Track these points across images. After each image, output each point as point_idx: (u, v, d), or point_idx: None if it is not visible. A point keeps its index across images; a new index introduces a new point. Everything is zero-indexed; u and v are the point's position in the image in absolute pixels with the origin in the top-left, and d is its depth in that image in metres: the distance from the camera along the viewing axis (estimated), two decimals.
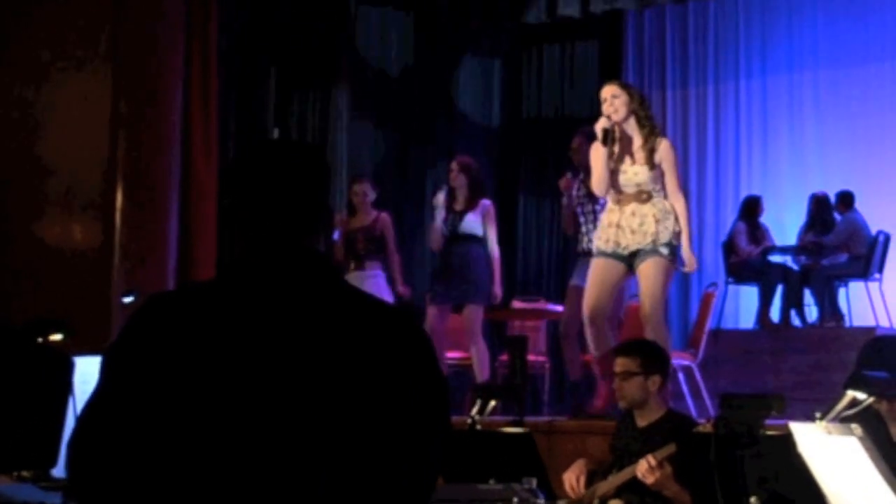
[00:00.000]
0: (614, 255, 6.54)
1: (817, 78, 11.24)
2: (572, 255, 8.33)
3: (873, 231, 10.00)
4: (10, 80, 8.84)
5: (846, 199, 10.14)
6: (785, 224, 10.76)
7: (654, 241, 6.43)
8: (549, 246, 11.90)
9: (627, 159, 6.53)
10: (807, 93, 11.30)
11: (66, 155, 8.77)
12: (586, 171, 7.50)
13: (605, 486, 4.96)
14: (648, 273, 6.48)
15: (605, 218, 6.68)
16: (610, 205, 6.64)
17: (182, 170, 8.87)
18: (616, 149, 6.55)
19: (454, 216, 8.15)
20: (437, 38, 11.49)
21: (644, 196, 6.49)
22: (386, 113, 11.25)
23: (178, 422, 1.97)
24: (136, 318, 2.09)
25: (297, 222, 2.12)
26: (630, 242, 6.48)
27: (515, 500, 4.16)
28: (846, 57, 11.02)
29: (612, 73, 11.69)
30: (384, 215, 8.56)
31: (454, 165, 8.29)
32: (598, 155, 6.53)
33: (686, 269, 6.73)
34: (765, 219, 10.48)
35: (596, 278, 6.60)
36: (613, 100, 6.53)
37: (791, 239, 10.52)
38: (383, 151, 11.20)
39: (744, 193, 10.95)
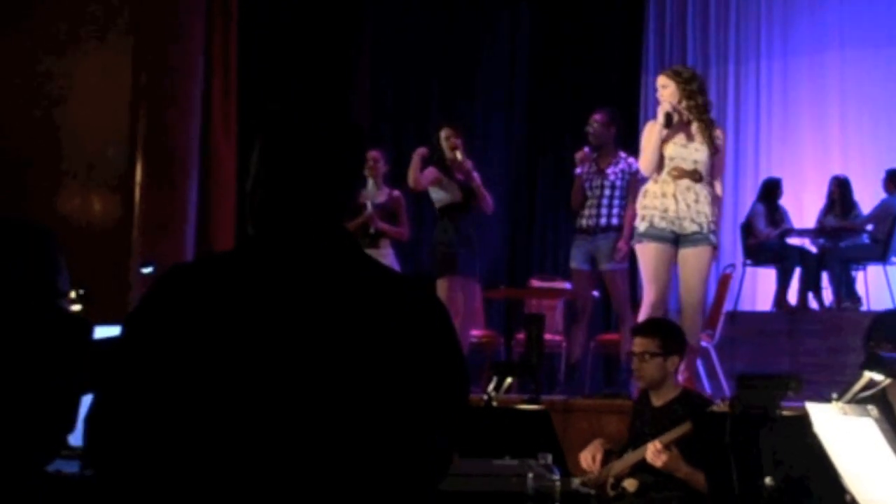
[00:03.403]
0: (661, 238, 6.48)
1: (839, 59, 11.16)
2: (571, 232, 8.20)
3: None
4: (30, 52, 8.86)
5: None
6: (805, 206, 10.72)
7: (706, 226, 6.44)
8: (567, 225, 11.86)
9: (684, 138, 6.53)
10: (828, 74, 11.23)
11: (87, 128, 8.80)
12: (600, 148, 7.76)
13: (619, 466, 4.98)
14: (699, 261, 6.48)
15: (653, 188, 6.57)
16: (663, 176, 6.52)
17: (202, 142, 8.89)
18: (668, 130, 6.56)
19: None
20: (458, 16, 11.47)
21: (697, 176, 6.49)
22: (407, 90, 11.24)
23: (196, 393, 1.98)
24: (157, 287, 2.09)
25: (319, 194, 2.11)
26: (685, 217, 6.44)
27: (531, 475, 4.17)
28: (869, 38, 10.95)
29: (633, 53, 11.67)
30: (397, 194, 8.42)
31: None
32: (652, 135, 6.54)
33: None
34: (784, 201, 10.43)
35: (655, 271, 6.51)
36: (662, 90, 6.59)
37: (811, 221, 10.47)
38: (403, 129, 11.17)
39: (763, 175, 10.90)
